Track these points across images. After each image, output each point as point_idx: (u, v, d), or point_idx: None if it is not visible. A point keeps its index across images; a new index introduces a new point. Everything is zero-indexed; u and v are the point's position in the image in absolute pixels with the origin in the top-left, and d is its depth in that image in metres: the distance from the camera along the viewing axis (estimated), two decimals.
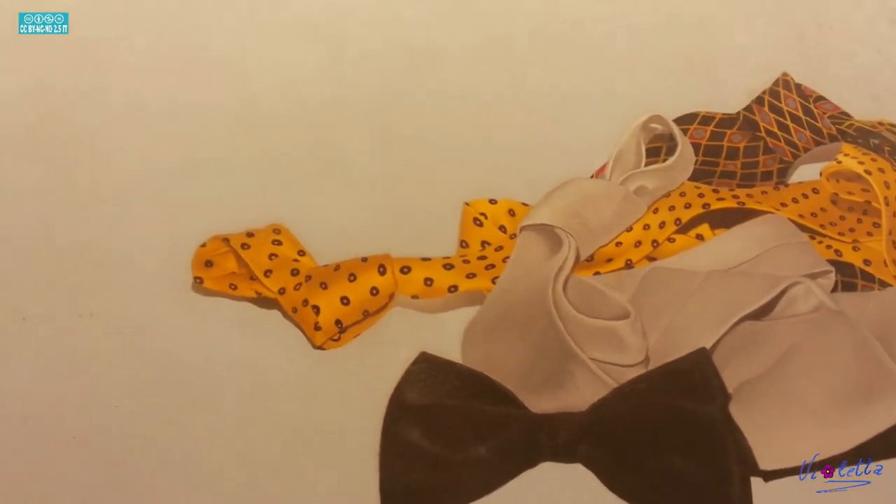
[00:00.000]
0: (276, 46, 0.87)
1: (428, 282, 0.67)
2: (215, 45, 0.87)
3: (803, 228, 0.69)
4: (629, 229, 0.69)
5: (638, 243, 0.69)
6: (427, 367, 0.61)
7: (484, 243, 0.70)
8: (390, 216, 0.74)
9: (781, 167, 0.74)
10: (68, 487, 0.60)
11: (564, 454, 0.58)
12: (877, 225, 0.70)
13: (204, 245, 0.69)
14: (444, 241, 0.71)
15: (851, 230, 0.70)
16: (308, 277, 0.67)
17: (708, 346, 0.61)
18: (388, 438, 0.58)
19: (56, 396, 0.64)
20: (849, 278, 0.67)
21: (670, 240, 0.69)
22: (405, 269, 0.67)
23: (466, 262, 0.68)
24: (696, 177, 0.73)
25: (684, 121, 0.75)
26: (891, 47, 0.85)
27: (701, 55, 0.86)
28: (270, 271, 0.67)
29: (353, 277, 0.66)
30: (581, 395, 0.60)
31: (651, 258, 0.69)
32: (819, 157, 0.75)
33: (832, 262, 0.66)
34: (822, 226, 0.70)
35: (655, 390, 0.58)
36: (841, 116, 0.74)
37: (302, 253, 0.69)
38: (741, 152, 0.74)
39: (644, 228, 0.69)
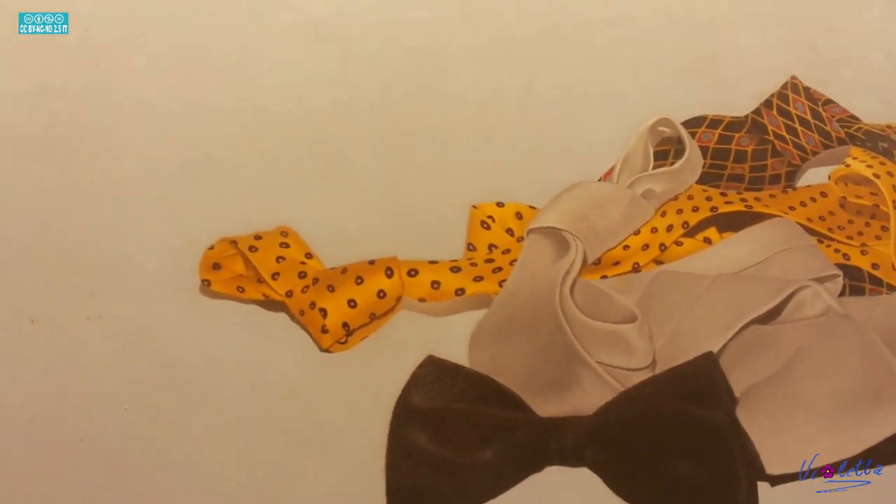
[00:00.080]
0: (281, 48, 0.87)
1: (435, 285, 0.67)
2: (218, 46, 0.87)
3: (811, 232, 0.69)
4: (637, 232, 0.69)
5: (645, 246, 0.69)
6: (434, 371, 0.60)
7: (491, 246, 0.70)
8: (396, 218, 0.74)
9: (790, 170, 0.74)
10: (75, 489, 0.60)
11: (571, 458, 0.58)
12: (885, 228, 0.70)
13: (212, 247, 0.69)
14: (451, 243, 0.71)
15: (860, 234, 0.70)
16: (315, 280, 0.67)
17: (715, 349, 0.61)
18: (394, 441, 0.58)
19: (63, 398, 0.64)
20: (857, 282, 0.67)
21: (678, 243, 0.69)
22: (412, 272, 0.67)
23: (474, 265, 0.68)
24: (704, 180, 0.72)
25: (692, 124, 0.75)
26: None
27: (709, 58, 0.86)
28: (278, 274, 0.67)
29: (360, 280, 0.66)
30: (588, 398, 0.60)
31: (658, 261, 0.69)
32: (827, 161, 0.75)
33: (840, 266, 0.66)
34: (830, 229, 0.70)
35: (662, 394, 0.58)
36: (849, 120, 0.74)
37: (309, 255, 0.69)
38: (749, 155, 0.74)
39: (652, 232, 0.69)
